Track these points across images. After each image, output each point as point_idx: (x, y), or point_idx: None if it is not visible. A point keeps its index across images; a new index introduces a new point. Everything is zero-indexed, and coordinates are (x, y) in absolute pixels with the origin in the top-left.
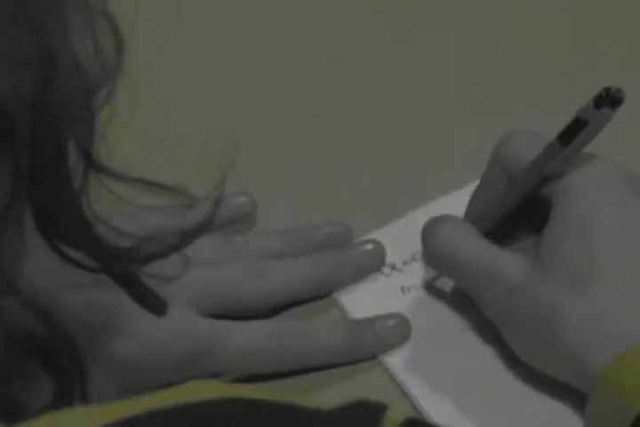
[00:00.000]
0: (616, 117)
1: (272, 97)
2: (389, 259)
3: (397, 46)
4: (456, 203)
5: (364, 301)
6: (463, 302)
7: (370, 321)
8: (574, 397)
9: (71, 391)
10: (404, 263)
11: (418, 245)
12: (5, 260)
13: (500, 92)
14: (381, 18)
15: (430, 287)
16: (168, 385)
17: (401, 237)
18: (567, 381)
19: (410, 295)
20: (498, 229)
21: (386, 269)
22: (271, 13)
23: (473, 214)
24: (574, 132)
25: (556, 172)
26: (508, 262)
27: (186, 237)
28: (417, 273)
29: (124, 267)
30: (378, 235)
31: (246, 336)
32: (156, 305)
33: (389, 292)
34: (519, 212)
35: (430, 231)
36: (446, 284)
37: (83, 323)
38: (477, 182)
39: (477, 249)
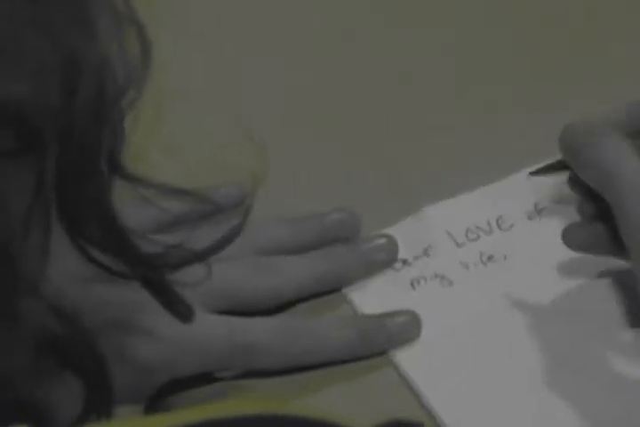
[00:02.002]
0: None
1: (271, 97)
2: (401, 254)
3: (397, 46)
4: (468, 201)
5: (374, 296)
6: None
7: (380, 317)
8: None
9: (99, 393)
10: (415, 258)
11: (429, 241)
12: (29, 262)
13: (500, 92)
14: (381, 18)
15: (439, 280)
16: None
17: (413, 233)
18: None
19: (420, 289)
20: None
21: (397, 264)
22: (271, 13)
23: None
24: None
25: None
26: None
27: (215, 243)
28: (427, 266)
29: (153, 272)
30: (392, 230)
31: (256, 333)
32: (183, 311)
33: (400, 287)
34: None
35: (587, 144)
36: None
37: (99, 321)
38: (486, 185)
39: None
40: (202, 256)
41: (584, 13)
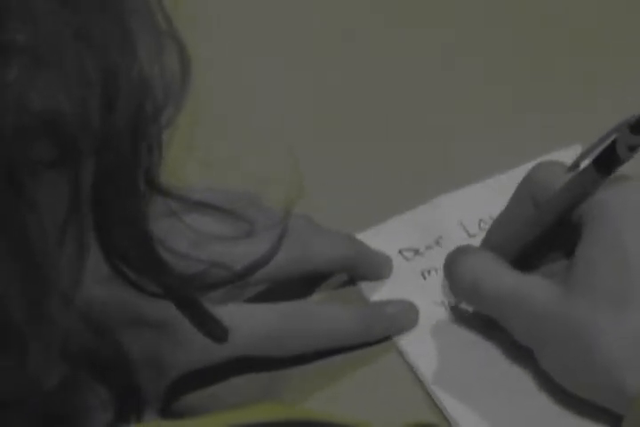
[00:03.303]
0: None
1: (271, 97)
2: (413, 244)
3: (397, 46)
4: (481, 191)
5: (384, 285)
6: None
7: (380, 304)
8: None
9: (128, 402)
10: (427, 248)
11: (442, 230)
12: (64, 273)
13: (500, 92)
14: (381, 18)
15: None
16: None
17: (426, 222)
18: (602, 403)
19: (430, 280)
20: (522, 257)
21: (408, 254)
22: (272, 13)
23: (494, 243)
24: (612, 158)
25: (588, 196)
26: (535, 288)
27: (252, 264)
28: (438, 257)
29: (187, 293)
30: (403, 219)
31: (267, 319)
32: (217, 332)
33: (410, 276)
34: (545, 238)
35: (453, 264)
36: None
37: (117, 318)
38: (503, 174)
39: (503, 277)
40: (239, 277)
41: (584, 13)
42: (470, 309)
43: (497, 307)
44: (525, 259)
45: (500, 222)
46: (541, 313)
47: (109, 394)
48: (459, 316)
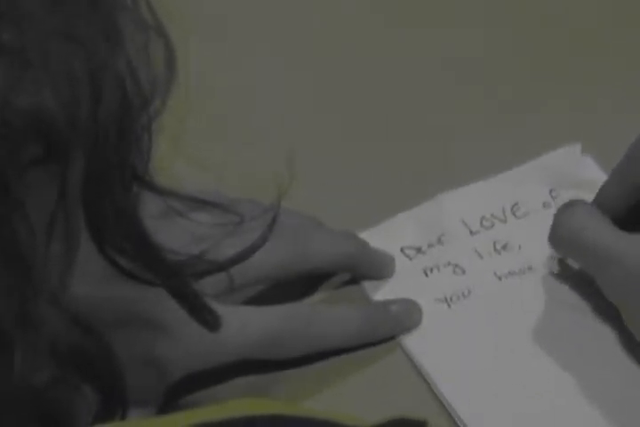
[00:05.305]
0: None
1: (271, 97)
2: (415, 242)
3: (397, 46)
4: (483, 189)
5: (386, 283)
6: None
7: (385, 304)
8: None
9: (113, 402)
10: (429, 246)
11: (444, 228)
12: (51, 271)
13: (500, 92)
14: (381, 18)
15: (452, 268)
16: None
17: (428, 220)
18: None
19: (433, 277)
20: (628, 217)
21: (410, 252)
22: (272, 13)
23: (603, 200)
24: None
25: None
26: (631, 246)
27: (239, 254)
28: (440, 255)
29: (181, 281)
30: (406, 216)
31: (268, 322)
32: (210, 320)
33: (413, 275)
34: None
35: (561, 215)
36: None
37: (116, 318)
38: (505, 173)
39: (604, 232)
40: (225, 266)
41: (584, 13)
42: (576, 265)
43: (592, 260)
44: (631, 219)
45: (610, 182)
46: (632, 270)
47: (95, 394)
48: (463, 314)
